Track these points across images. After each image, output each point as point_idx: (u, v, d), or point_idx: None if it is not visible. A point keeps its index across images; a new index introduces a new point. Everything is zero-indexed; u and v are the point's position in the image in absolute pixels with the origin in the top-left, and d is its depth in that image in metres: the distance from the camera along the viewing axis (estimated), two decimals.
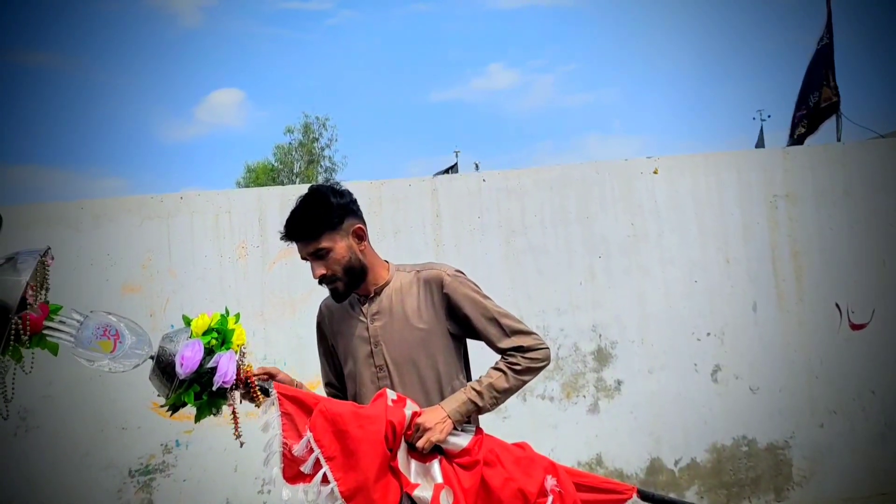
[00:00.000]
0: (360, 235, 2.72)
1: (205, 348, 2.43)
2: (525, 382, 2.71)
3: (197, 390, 2.40)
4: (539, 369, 2.72)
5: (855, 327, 5.93)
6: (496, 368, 2.70)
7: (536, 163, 58.69)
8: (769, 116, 22.72)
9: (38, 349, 2.28)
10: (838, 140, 8.85)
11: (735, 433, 5.76)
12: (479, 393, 2.64)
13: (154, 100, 62.87)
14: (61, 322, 2.25)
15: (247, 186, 39.82)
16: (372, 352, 2.70)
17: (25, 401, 4.96)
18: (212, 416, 2.47)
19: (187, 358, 2.38)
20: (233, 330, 2.51)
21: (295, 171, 40.05)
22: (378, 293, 2.74)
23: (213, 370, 2.40)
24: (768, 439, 5.78)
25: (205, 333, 2.49)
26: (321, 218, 2.64)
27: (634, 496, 2.72)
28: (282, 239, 2.71)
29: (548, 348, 2.72)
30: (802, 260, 5.92)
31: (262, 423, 2.48)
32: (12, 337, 2.16)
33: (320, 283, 2.71)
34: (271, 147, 45.65)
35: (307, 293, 5.25)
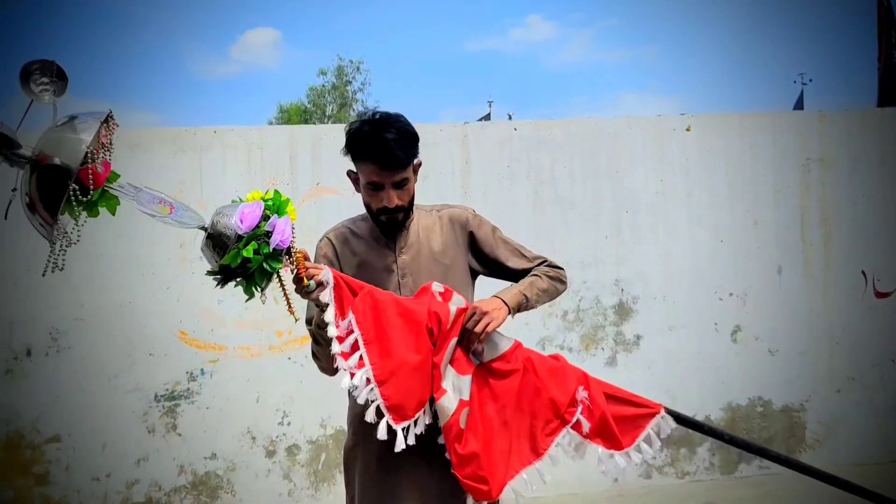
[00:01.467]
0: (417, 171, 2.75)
1: (265, 208, 2.35)
2: (556, 291, 2.81)
3: (258, 248, 2.31)
4: (563, 283, 2.84)
5: (880, 295, 5.91)
6: (530, 275, 2.79)
7: (570, 118, 58.32)
8: (811, 80, 22.27)
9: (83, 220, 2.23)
10: (878, 105, 8.72)
11: (751, 394, 5.80)
12: (526, 287, 2.73)
13: (191, 36, 62.92)
14: (119, 187, 2.24)
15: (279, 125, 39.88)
16: (399, 283, 2.74)
17: (57, 321, 5.10)
18: (258, 293, 2.38)
19: (247, 214, 2.31)
20: (286, 203, 2.43)
21: (327, 113, 39.96)
22: (407, 227, 2.78)
23: (269, 234, 2.32)
24: (784, 401, 5.82)
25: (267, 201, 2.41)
26: (412, 147, 2.65)
27: (663, 412, 2.76)
28: (368, 162, 2.62)
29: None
30: (831, 226, 5.88)
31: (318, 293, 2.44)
32: (74, 194, 2.09)
33: (382, 213, 2.68)
34: (304, 88, 45.56)
35: None
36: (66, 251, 2.21)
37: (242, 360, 5.31)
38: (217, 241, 2.34)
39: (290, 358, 5.34)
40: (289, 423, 5.36)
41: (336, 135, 5.50)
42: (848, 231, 5.89)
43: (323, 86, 40.22)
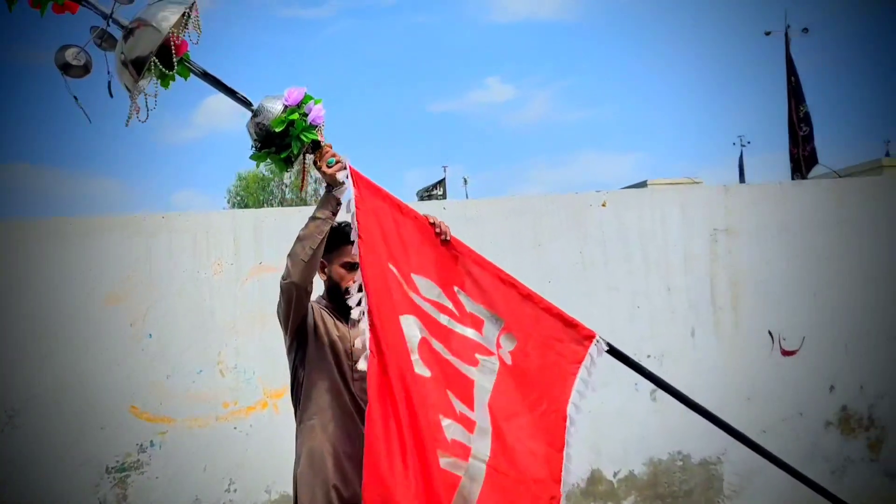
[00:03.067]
0: None
1: (305, 95, 2.92)
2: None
3: (299, 116, 2.89)
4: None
5: (786, 353, 6.40)
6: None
7: (530, 178, 59.12)
8: (749, 143, 23.17)
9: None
10: (794, 177, 9.39)
11: (671, 448, 6.21)
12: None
13: (152, 102, 63.16)
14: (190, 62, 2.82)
15: (237, 195, 40.23)
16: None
17: (13, 401, 5.40)
18: (288, 168, 3.05)
19: (292, 93, 2.89)
20: (319, 101, 2.96)
21: (285, 180, 40.45)
22: None
23: (306, 114, 2.89)
24: (702, 455, 6.24)
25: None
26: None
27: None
28: (348, 244, 3.01)
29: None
30: (739, 290, 6.39)
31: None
32: (160, 61, 2.65)
33: (348, 291, 3.04)
34: None
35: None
36: (137, 107, 2.77)
37: (190, 430, 5.62)
38: (263, 113, 2.92)
39: (235, 427, 5.67)
40: (235, 490, 5.66)
41: (276, 217, 5.94)
42: (754, 295, 6.40)
43: None
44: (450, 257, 3.07)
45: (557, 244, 6.19)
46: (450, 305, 3.01)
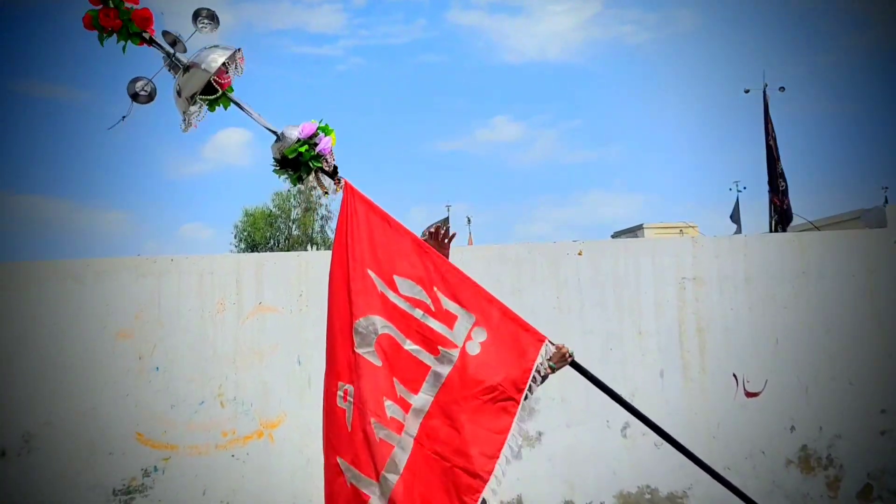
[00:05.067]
0: None
1: (318, 128, 3.52)
2: None
3: (307, 147, 3.48)
4: None
5: (749, 395, 6.84)
6: None
7: (536, 217, 59.76)
8: (745, 188, 23.73)
9: None
10: (771, 231, 9.88)
11: (640, 482, 6.64)
12: None
13: (163, 135, 64.08)
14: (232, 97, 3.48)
15: (244, 230, 40.81)
16: None
17: (29, 425, 5.89)
18: (300, 184, 3.54)
19: (306, 127, 3.49)
20: (331, 131, 3.54)
21: (292, 217, 41.12)
22: None
23: (316, 144, 3.48)
24: (669, 489, 6.66)
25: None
26: None
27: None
28: None
29: None
30: (705, 335, 6.85)
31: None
32: (205, 92, 3.36)
33: None
34: (273, 187, 46.68)
35: (274, 345, 6.22)
36: (192, 123, 3.45)
37: (191, 457, 6.08)
38: (283, 141, 3.51)
39: (233, 455, 6.13)
40: None
41: (276, 261, 6.45)
42: (720, 340, 6.86)
43: (288, 191, 41.51)
44: (432, 264, 3.68)
45: (536, 290, 6.68)
46: (427, 301, 3.59)
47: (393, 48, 69.62)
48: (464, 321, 3.62)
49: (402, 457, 3.36)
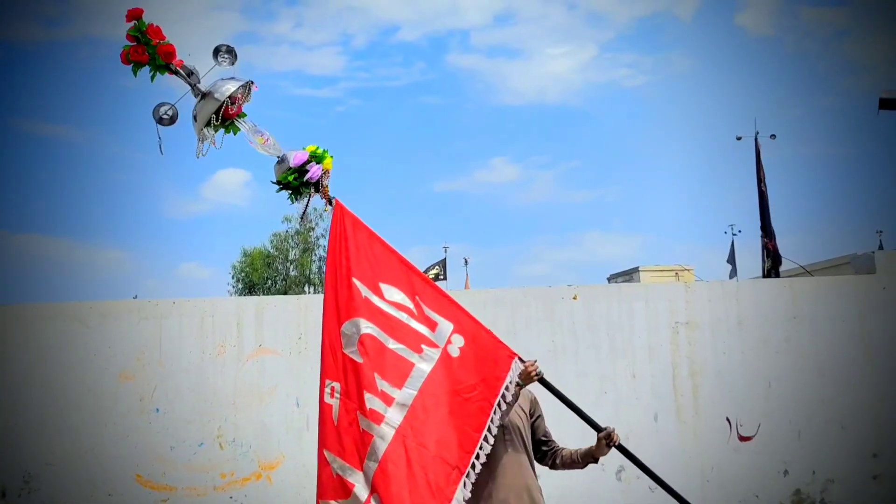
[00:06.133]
0: None
1: (309, 157, 3.88)
2: None
3: (296, 176, 3.85)
4: None
5: (743, 439, 6.92)
6: None
7: (534, 258, 59.95)
8: (739, 231, 24.01)
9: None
10: (764, 274, 10.01)
11: None
12: None
13: (163, 175, 64.37)
14: (244, 123, 3.86)
15: (242, 271, 40.92)
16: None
17: (30, 466, 5.95)
18: (296, 201, 3.90)
19: (298, 156, 3.86)
20: (323, 158, 3.91)
21: (290, 258, 41.23)
22: None
23: (307, 171, 3.84)
24: None
25: (312, 153, 3.92)
26: None
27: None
28: None
29: None
30: (699, 379, 6.95)
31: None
32: (217, 119, 3.75)
33: None
34: (271, 228, 46.85)
35: (273, 387, 6.31)
36: (208, 147, 3.85)
37: (190, 499, 6.14)
38: (282, 164, 3.90)
39: (231, 497, 6.18)
40: None
41: (276, 304, 6.56)
42: (713, 383, 6.96)
43: (287, 231, 41.71)
44: (416, 277, 3.98)
45: (531, 333, 6.78)
46: (411, 307, 3.88)
47: (392, 90, 70.28)
48: (444, 327, 3.91)
49: (381, 445, 3.61)
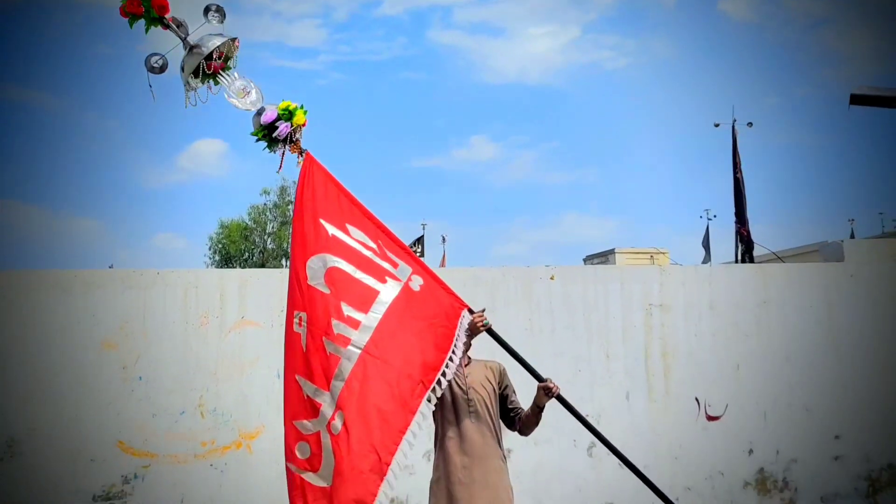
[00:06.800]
0: None
1: (278, 115, 4.13)
2: None
3: (265, 133, 4.14)
4: None
5: (710, 418, 7.14)
6: None
7: (512, 237, 60.16)
8: (715, 216, 24.25)
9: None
10: (737, 260, 10.22)
11: (604, 500, 6.89)
12: None
13: (138, 144, 63.79)
14: (226, 76, 4.10)
15: (219, 242, 40.78)
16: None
17: (14, 431, 6.03)
18: (273, 152, 4.17)
19: (268, 114, 4.12)
20: (295, 114, 4.15)
21: (268, 230, 41.13)
22: None
23: (276, 128, 4.10)
24: None
25: (284, 109, 4.16)
26: None
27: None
28: None
29: None
30: (670, 360, 7.14)
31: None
32: (201, 69, 4.00)
33: None
34: (249, 199, 46.58)
35: (255, 358, 6.42)
36: (197, 99, 4.11)
37: (170, 466, 6.25)
38: (259, 116, 4.14)
39: (211, 465, 6.31)
40: None
41: (259, 277, 6.66)
42: (683, 364, 7.16)
43: (265, 204, 41.59)
44: (378, 227, 4.25)
45: (509, 311, 6.93)
46: (374, 247, 4.15)
47: (373, 64, 70.05)
48: (404, 267, 4.18)
49: (347, 366, 3.83)
